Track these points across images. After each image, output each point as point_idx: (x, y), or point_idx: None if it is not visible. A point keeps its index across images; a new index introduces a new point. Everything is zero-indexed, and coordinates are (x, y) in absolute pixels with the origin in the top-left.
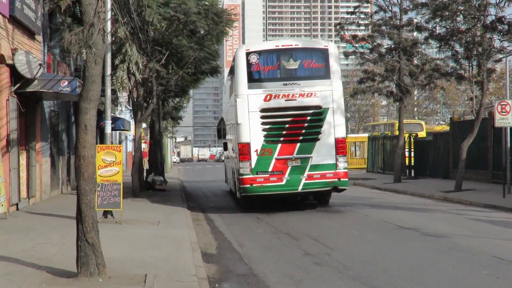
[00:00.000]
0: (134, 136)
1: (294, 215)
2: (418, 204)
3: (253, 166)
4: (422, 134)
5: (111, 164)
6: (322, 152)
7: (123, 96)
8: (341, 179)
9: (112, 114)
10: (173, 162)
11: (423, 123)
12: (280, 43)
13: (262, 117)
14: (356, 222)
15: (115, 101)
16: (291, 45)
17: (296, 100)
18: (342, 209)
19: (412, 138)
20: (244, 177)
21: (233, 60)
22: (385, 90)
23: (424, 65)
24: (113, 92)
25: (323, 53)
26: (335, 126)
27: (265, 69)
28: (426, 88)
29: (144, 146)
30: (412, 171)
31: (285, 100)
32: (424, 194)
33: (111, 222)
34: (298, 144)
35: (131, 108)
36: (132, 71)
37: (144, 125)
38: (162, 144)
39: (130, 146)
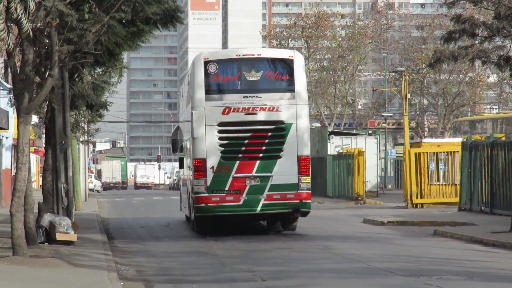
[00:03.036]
0: (17, 139)
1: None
2: None
3: (208, 184)
4: None
5: None
6: (284, 171)
7: None
8: (303, 201)
9: None
10: (90, 189)
11: None
12: (242, 52)
13: (220, 132)
14: None
15: None
16: (253, 55)
17: (257, 114)
18: (414, 282)
19: None
20: (198, 195)
21: (190, 68)
22: (496, 55)
23: None
24: None
25: (288, 64)
26: (298, 143)
27: (225, 79)
28: None
29: (35, 159)
30: None
31: (245, 114)
32: None
33: None
34: (258, 162)
35: (10, 87)
36: (15, 16)
37: (35, 118)
38: (68, 155)
39: (7, 159)
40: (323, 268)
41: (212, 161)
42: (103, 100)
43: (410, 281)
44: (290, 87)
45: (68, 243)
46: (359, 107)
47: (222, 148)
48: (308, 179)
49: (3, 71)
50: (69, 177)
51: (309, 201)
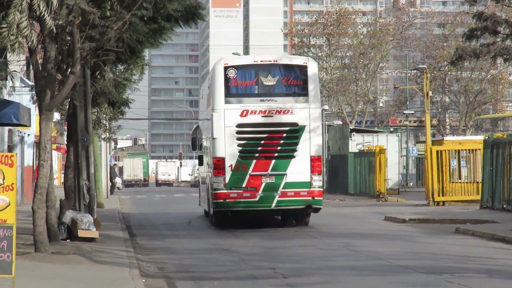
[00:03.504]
0: (39, 136)
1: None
2: None
3: (227, 181)
4: None
5: None
6: (297, 170)
7: (17, 61)
8: (315, 198)
9: None
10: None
11: None
12: (259, 58)
13: (238, 133)
14: None
15: (3, 70)
16: (270, 61)
17: (272, 116)
18: (435, 280)
19: None
20: (217, 192)
21: (211, 72)
22: None
23: None
24: (0, 52)
25: (302, 70)
26: (311, 144)
27: (243, 84)
28: None
29: (56, 156)
30: None
31: (262, 116)
32: None
33: None
34: (273, 161)
35: (32, 84)
36: (38, 13)
37: (57, 116)
38: (90, 152)
39: (29, 156)
40: (344, 266)
41: (231, 160)
42: (125, 97)
43: (431, 278)
44: (304, 91)
45: (90, 239)
46: (381, 104)
47: (240, 148)
48: (320, 177)
49: (25, 68)
50: (90, 174)
51: (321, 198)
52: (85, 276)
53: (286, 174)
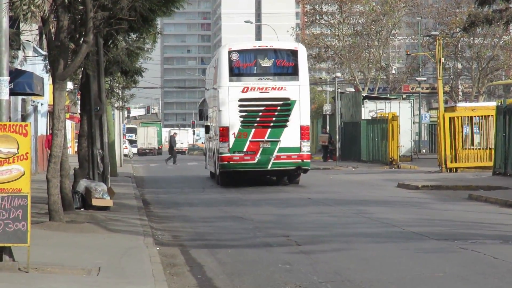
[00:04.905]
0: (52, 106)
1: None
2: None
3: (230, 146)
4: None
5: (8, 159)
6: (289, 137)
7: (30, 31)
8: (304, 160)
9: (10, 65)
10: (125, 155)
11: None
12: (258, 44)
13: (240, 106)
14: (480, 269)
15: (15, 40)
16: (267, 46)
17: (268, 92)
18: (449, 246)
19: None
20: (223, 155)
21: (217, 55)
22: None
23: None
24: (12, 22)
25: (293, 54)
26: (301, 116)
27: (244, 65)
28: None
29: (70, 125)
30: None
31: (260, 92)
32: None
33: (9, 268)
34: (269, 130)
35: (45, 54)
36: None
37: (70, 85)
38: (103, 121)
39: (43, 125)
40: (357, 233)
41: (234, 129)
42: (138, 66)
43: (444, 245)
44: (295, 71)
45: (104, 208)
46: (393, 71)
47: (242, 119)
48: (308, 143)
49: (38, 38)
50: (104, 143)
51: (309, 161)
52: (99, 245)
53: (280, 141)
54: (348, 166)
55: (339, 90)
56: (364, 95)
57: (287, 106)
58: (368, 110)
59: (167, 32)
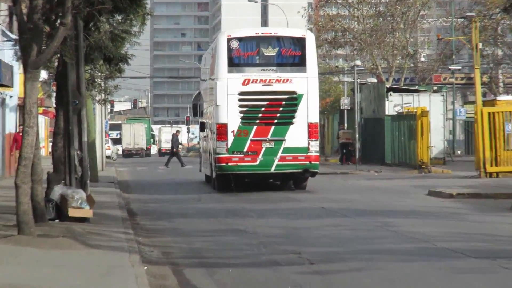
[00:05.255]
0: (23, 99)
1: None
2: None
3: (229, 146)
4: None
5: None
6: (295, 136)
7: None
8: (313, 162)
9: None
10: (108, 156)
11: None
12: (260, 31)
13: (240, 100)
14: None
15: None
16: (270, 33)
17: (272, 85)
18: (489, 265)
19: None
20: (220, 156)
21: (215, 43)
22: None
23: None
24: None
25: (300, 42)
26: (308, 112)
27: (245, 55)
28: None
29: (44, 121)
30: None
31: (262, 85)
32: None
33: None
34: (273, 127)
35: (16, 38)
36: None
37: (44, 74)
38: (83, 116)
39: (12, 121)
40: (381, 249)
41: (233, 126)
42: (123, 52)
43: (484, 264)
44: (302, 62)
45: (82, 220)
46: (422, 59)
47: (242, 115)
48: (317, 143)
49: (7, 19)
50: (83, 143)
51: (317, 162)
52: (77, 263)
53: (285, 140)
54: (370, 170)
55: (358, 80)
56: (388, 86)
57: (293, 100)
58: (393, 104)
59: (157, 13)
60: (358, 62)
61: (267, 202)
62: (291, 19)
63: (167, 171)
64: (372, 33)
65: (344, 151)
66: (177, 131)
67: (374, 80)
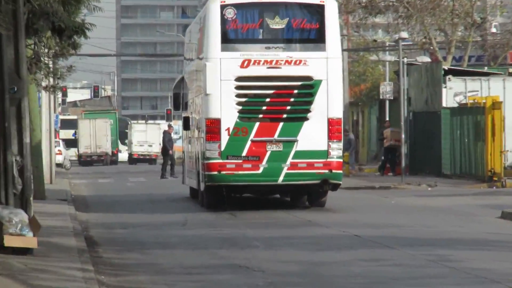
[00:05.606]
0: None
1: None
2: None
3: (222, 148)
4: None
5: None
6: (311, 136)
7: None
8: (334, 171)
9: None
10: (58, 164)
11: None
12: None
13: (238, 88)
14: None
15: None
16: None
17: (281, 68)
18: None
19: None
20: (210, 161)
21: (203, 11)
22: None
23: None
24: None
25: (318, 11)
26: (329, 104)
27: (244, 27)
28: None
29: None
30: None
31: (267, 68)
32: None
33: None
34: (281, 124)
35: None
36: None
37: None
38: (24, 109)
39: None
40: None
41: (228, 122)
42: (79, 20)
43: None
44: (320, 37)
45: (24, 251)
46: (493, 30)
47: (240, 107)
48: (340, 145)
49: None
50: (25, 145)
51: (341, 171)
52: None
53: (297, 141)
54: (421, 184)
55: (405, 60)
56: (446, 68)
57: (308, 88)
58: (453, 93)
59: None
60: (404, 35)
61: (275, 226)
62: None
63: (143, 187)
64: None
65: (389, 156)
66: (170, 126)
67: (427, 59)
